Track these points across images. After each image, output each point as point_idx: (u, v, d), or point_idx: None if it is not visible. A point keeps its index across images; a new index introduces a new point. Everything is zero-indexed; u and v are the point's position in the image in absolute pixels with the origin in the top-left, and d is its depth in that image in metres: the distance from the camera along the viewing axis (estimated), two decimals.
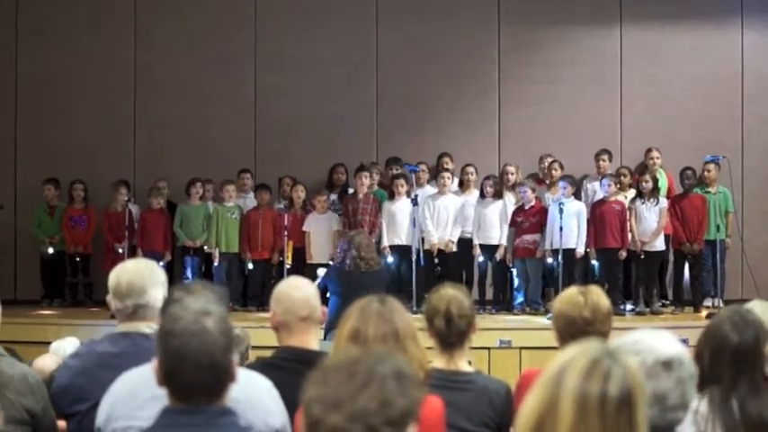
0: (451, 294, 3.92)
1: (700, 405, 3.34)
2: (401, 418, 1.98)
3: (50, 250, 12.02)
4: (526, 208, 11.34)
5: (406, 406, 2.00)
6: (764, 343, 3.48)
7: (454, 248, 11.44)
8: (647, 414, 2.17)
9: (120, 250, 11.16)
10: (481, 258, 11.52)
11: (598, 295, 3.81)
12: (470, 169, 11.82)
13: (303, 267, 10.94)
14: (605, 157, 11.97)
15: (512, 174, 11.85)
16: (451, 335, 3.86)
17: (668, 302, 11.62)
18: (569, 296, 3.83)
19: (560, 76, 12.85)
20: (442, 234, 11.43)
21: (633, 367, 2.15)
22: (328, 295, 8.07)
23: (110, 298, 3.70)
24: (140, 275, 3.66)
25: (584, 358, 2.14)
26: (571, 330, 3.71)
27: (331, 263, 9.53)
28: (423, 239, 11.27)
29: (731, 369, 3.39)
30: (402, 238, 11.31)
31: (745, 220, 12.29)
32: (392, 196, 11.54)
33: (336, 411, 1.96)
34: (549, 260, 11.13)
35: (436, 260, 11.27)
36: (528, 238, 11.28)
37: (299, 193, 11.72)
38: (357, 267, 8.10)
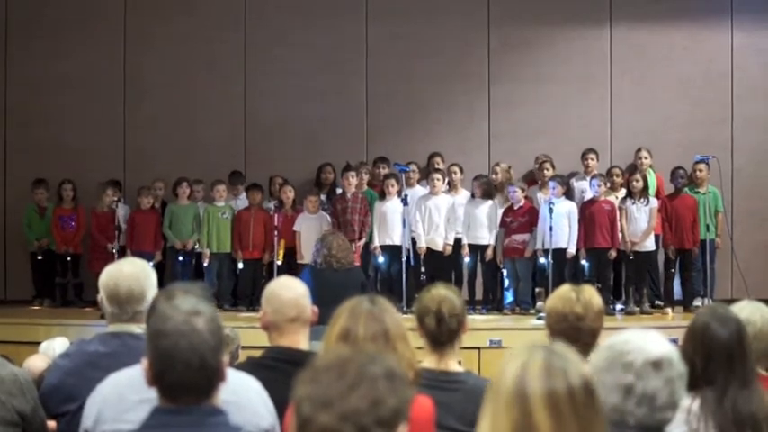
0: (443, 294, 3.92)
1: (692, 404, 3.35)
2: (392, 417, 1.99)
3: (39, 258, 11.99)
4: (515, 208, 11.36)
5: (396, 406, 2.00)
6: (747, 336, 3.51)
7: (450, 250, 11.45)
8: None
9: (114, 250, 11.15)
10: (467, 259, 11.50)
11: (591, 293, 3.84)
12: (455, 168, 11.81)
13: (295, 267, 10.92)
14: (592, 156, 12.00)
15: (495, 174, 11.84)
16: (442, 334, 3.86)
17: (659, 302, 11.61)
18: (562, 292, 3.86)
19: (550, 76, 12.86)
20: (434, 235, 11.42)
21: (576, 357, 2.19)
22: None
23: (102, 300, 3.67)
24: (138, 281, 3.63)
25: (535, 363, 2.17)
26: (562, 326, 3.74)
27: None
28: (414, 240, 11.29)
29: (724, 367, 3.42)
30: (393, 239, 11.30)
31: (735, 220, 12.33)
32: (383, 196, 11.53)
33: (327, 411, 1.96)
34: (541, 260, 11.15)
35: (423, 268, 11.22)
36: (517, 238, 11.29)
37: (288, 194, 11.70)
38: (329, 266, 8.09)
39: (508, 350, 2.26)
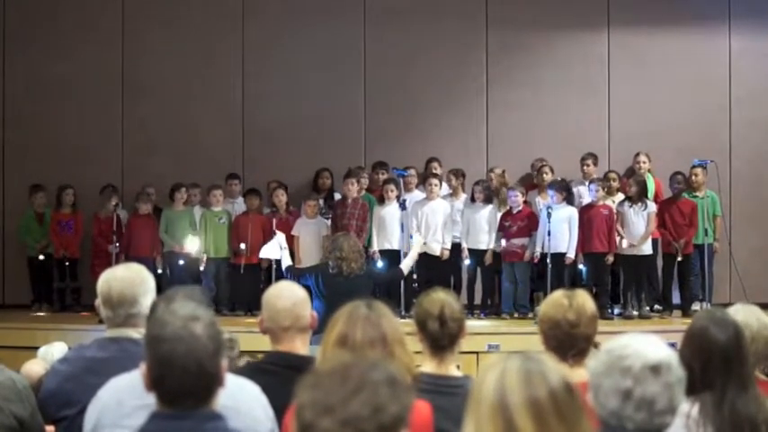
0: (443, 298, 3.91)
1: (691, 409, 3.35)
2: (393, 424, 1.99)
3: (41, 257, 11.97)
4: (514, 212, 11.35)
5: (398, 412, 2.00)
6: (744, 339, 3.51)
7: (447, 255, 11.42)
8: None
9: (117, 249, 11.17)
10: (467, 261, 11.48)
11: (583, 299, 3.81)
12: (450, 176, 11.78)
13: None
14: (590, 161, 11.99)
15: (491, 179, 11.82)
16: (444, 337, 3.84)
17: (658, 306, 11.60)
18: (554, 299, 3.84)
19: (548, 80, 12.86)
20: (430, 240, 11.39)
21: (550, 359, 2.22)
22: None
23: (99, 304, 3.68)
24: (131, 284, 3.63)
25: (512, 371, 2.18)
26: (555, 333, 3.72)
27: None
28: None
29: (722, 371, 3.42)
30: (392, 243, 11.29)
31: (733, 224, 12.33)
32: (382, 201, 11.52)
33: (328, 416, 1.96)
34: (536, 262, 11.15)
35: (414, 275, 11.16)
36: (516, 242, 11.28)
37: (281, 197, 11.69)
38: (340, 270, 8.08)
39: (483, 361, 2.29)
